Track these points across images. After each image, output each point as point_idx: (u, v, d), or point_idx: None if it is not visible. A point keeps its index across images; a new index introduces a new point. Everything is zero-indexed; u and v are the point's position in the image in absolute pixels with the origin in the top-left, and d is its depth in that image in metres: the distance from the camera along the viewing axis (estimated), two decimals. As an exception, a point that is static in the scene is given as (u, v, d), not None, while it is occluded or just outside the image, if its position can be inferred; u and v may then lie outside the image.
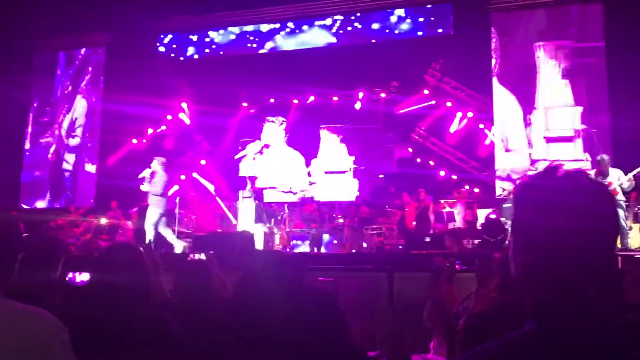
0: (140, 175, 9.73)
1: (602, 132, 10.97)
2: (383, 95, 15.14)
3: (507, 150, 11.74)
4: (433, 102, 14.72)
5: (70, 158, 14.37)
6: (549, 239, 1.12)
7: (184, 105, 15.82)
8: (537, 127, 11.43)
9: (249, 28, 14.19)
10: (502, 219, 9.88)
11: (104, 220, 12.12)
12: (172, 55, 14.67)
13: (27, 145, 14.84)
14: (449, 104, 14.34)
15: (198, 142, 16.40)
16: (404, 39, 13.05)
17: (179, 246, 9.98)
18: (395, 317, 6.57)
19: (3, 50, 13.55)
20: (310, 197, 15.16)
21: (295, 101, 15.88)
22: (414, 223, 12.12)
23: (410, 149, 15.57)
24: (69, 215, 12.80)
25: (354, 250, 11.69)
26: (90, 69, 14.74)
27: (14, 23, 13.50)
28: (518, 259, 1.18)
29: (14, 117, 14.52)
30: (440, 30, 12.80)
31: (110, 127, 14.08)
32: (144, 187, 9.70)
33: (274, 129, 16.26)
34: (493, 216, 10.44)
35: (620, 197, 8.40)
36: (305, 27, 13.77)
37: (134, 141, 14.97)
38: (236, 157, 16.32)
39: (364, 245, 11.89)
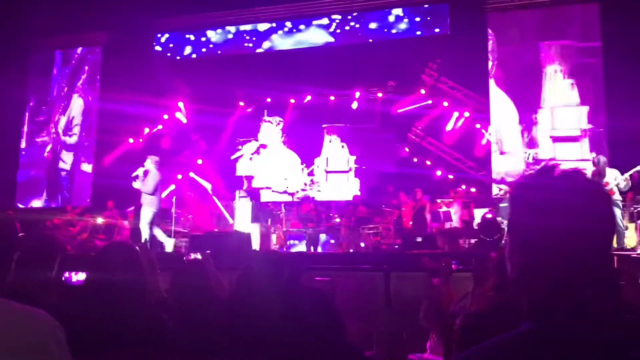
0: (134, 174, 9.75)
1: (600, 131, 10.99)
2: (380, 94, 15.15)
3: (501, 153, 11.74)
4: (430, 101, 14.73)
5: (67, 157, 14.34)
6: (545, 239, 1.12)
7: (181, 104, 15.80)
8: (543, 127, 11.39)
9: (246, 27, 14.18)
10: (499, 219, 9.91)
11: (100, 220, 12.10)
12: (169, 54, 14.66)
13: (23, 145, 14.80)
14: (445, 103, 14.36)
15: (195, 141, 16.39)
16: (401, 38, 13.06)
17: (169, 244, 9.98)
18: (391, 316, 6.58)
19: (-1, 49, 13.56)
20: (312, 196, 15.18)
21: (292, 101, 15.89)
22: (411, 223, 12.13)
23: (407, 149, 15.57)
24: (65, 214, 12.77)
25: (351, 250, 11.69)
26: (86, 68, 14.71)
27: (11, 22, 13.47)
28: (514, 259, 1.18)
29: (10, 116, 14.48)
30: (437, 30, 12.81)
31: (106, 127, 14.06)
32: (135, 184, 9.73)
33: (271, 129, 16.26)
34: (489, 216, 10.44)
35: (617, 196, 8.42)
36: (302, 27, 13.77)
37: (131, 140, 14.95)
38: (232, 157, 16.32)
39: (362, 245, 11.90)
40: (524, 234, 1.16)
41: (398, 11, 13.09)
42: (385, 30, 13.20)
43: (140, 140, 15.17)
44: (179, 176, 15.18)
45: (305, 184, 15.60)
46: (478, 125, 13.89)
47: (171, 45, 14.69)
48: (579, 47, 11.38)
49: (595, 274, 1.10)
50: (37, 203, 14.35)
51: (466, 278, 4.48)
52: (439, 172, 14.65)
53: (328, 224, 13.00)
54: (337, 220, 13.17)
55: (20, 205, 14.28)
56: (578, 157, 10.93)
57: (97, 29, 14.40)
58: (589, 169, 8.77)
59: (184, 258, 8.76)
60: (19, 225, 1.83)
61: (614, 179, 8.43)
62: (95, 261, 2.56)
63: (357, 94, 15.10)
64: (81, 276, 4.21)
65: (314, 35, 13.73)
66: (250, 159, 16.26)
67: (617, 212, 8.35)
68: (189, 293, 3.01)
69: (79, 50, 14.90)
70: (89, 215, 12.45)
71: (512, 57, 11.90)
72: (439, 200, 12.51)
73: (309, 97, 15.63)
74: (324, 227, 12.82)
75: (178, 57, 14.63)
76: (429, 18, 12.93)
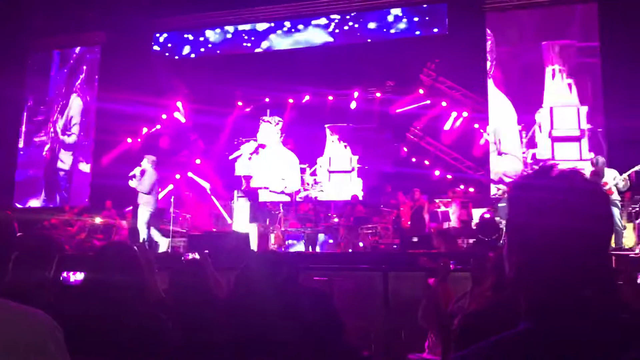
0: (131, 174, 9.77)
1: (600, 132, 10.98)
2: (378, 94, 15.16)
3: (499, 154, 11.73)
4: (428, 101, 14.74)
5: (66, 157, 14.32)
6: (543, 239, 1.12)
7: (179, 104, 15.79)
8: (543, 127, 11.37)
9: (245, 27, 14.17)
10: (497, 219, 9.92)
11: (98, 220, 12.08)
12: (167, 54, 14.64)
13: (21, 144, 14.78)
14: (444, 103, 14.37)
15: (193, 141, 16.38)
16: (400, 38, 13.05)
17: (163, 244, 9.99)
18: (389, 316, 6.59)
19: (-3, 48, 13.53)
20: (315, 196, 15.20)
21: (291, 100, 15.89)
22: (409, 223, 12.14)
23: (405, 149, 15.58)
24: (63, 214, 12.76)
25: (350, 250, 11.69)
26: (85, 67, 14.69)
27: (9, 21, 13.44)
28: (512, 259, 1.18)
29: (8, 116, 14.46)
30: (435, 30, 12.80)
31: (105, 126, 14.04)
32: (132, 183, 9.76)
33: (270, 129, 16.26)
34: (487, 216, 10.46)
35: (615, 196, 8.44)
36: (300, 27, 13.76)
37: (129, 140, 14.94)
38: (231, 157, 16.32)
39: (361, 244, 11.90)
40: (522, 234, 1.16)
41: (396, 11, 13.09)
42: (384, 30, 13.19)
43: (139, 140, 15.16)
44: (178, 176, 15.18)
45: (308, 184, 15.58)
46: (476, 125, 13.90)
47: (170, 45, 14.67)
48: (579, 47, 11.35)
49: (593, 274, 1.10)
50: (35, 203, 14.33)
51: (464, 278, 4.49)
52: (437, 172, 14.66)
53: (326, 224, 13.01)
54: (336, 220, 13.17)
55: (19, 205, 14.26)
56: (577, 157, 10.91)
57: (95, 29, 14.37)
58: (587, 169, 8.78)
59: (182, 258, 8.77)
60: (17, 225, 1.83)
61: (613, 179, 8.45)
62: (93, 261, 2.56)
63: (356, 94, 15.10)
64: (79, 276, 4.21)
65: (313, 35, 13.72)
66: (249, 158, 16.26)
67: (616, 212, 8.37)
68: (187, 293, 3.01)
69: (77, 50, 14.88)
70: (87, 215, 12.44)
71: (511, 57, 11.87)
72: (437, 200, 12.52)
73: (307, 97, 15.63)
74: (323, 227, 12.82)
75: (177, 57, 14.61)
76: (427, 18, 12.92)
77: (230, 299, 2.38)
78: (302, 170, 15.79)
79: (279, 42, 13.94)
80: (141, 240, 9.42)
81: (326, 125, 15.85)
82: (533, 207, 1.15)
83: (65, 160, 14.30)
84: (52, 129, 14.56)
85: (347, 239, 12.15)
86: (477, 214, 11.50)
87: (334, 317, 2.33)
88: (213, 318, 2.58)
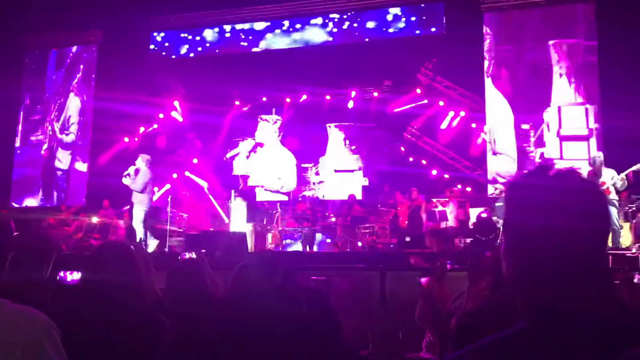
0: (126, 173, 9.79)
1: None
2: (376, 94, 15.16)
3: (494, 153, 11.73)
4: (425, 101, 14.75)
5: (63, 156, 14.28)
6: (540, 238, 1.12)
7: (176, 103, 15.77)
8: (550, 126, 11.34)
9: (242, 26, 14.15)
10: (494, 218, 9.94)
11: (95, 219, 12.06)
12: (164, 53, 14.61)
13: (18, 143, 14.75)
14: (441, 103, 14.37)
15: (190, 140, 16.37)
16: (397, 38, 13.05)
17: (152, 244, 10.01)
18: (387, 315, 6.59)
19: (-6, 48, 13.50)
20: (317, 196, 15.21)
21: (288, 100, 15.89)
22: (407, 222, 12.15)
23: (402, 148, 15.59)
24: (60, 214, 12.73)
25: (348, 250, 11.70)
26: (81, 67, 14.66)
27: (5, 20, 13.40)
28: (509, 258, 1.18)
29: (5, 115, 14.41)
30: (433, 30, 12.80)
31: (101, 126, 14.01)
32: (125, 181, 9.79)
33: (268, 128, 16.25)
34: (484, 215, 10.47)
35: (613, 196, 8.47)
36: (298, 26, 13.75)
37: (126, 139, 14.91)
38: (228, 155, 16.31)
39: (359, 244, 11.91)
40: (519, 234, 1.17)
41: (394, 10, 13.09)
42: (382, 29, 13.19)
43: (136, 139, 15.14)
44: (175, 175, 15.16)
45: (314, 183, 15.59)
46: (474, 125, 13.92)
47: (167, 44, 14.65)
48: (584, 45, 11.32)
49: (590, 273, 1.11)
50: (32, 202, 14.30)
51: (459, 277, 4.50)
52: (434, 172, 14.67)
53: (324, 224, 13.01)
54: (333, 219, 13.17)
55: (15, 205, 14.23)
56: (586, 156, 10.78)
57: (92, 28, 14.34)
58: (585, 169, 8.80)
59: (179, 257, 8.77)
60: (13, 225, 1.83)
61: (611, 179, 8.48)
62: (90, 261, 2.55)
63: (353, 94, 15.10)
64: (76, 276, 4.21)
65: (310, 35, 13.72)
66: (247, 157, 16.25)
67: (613, 211, 8.40)
68: (184, 292, 3.01)
69: (74, 49, 14.84)
70: (84, 215, 12.41)
71: (514, 56, 11.84)
72: (434, 200, 12.53)
73: (304, 97, 15.63)
74: (320, 227, 12.82)
75: (174, 56, 14.59)
76: (424, 17, 12.92)
77: (227, 299, 2.37)
78: (305, 170, 15.79)
79: (277, 41, 13.93)
80: (138, 240, 9.43)
81: (331, 124, 15.84)
82: (530, 207, 1.15)
83: (62, 159, 14.27)
84: (49, 128, 14.53)
85: (344, 238, 12.16)
86: (474, 213, 11.51)
87: (331, 317, 2.33)
88: (210, 318, 2.58)
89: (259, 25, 14.01)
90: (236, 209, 13.51)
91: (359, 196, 14.57)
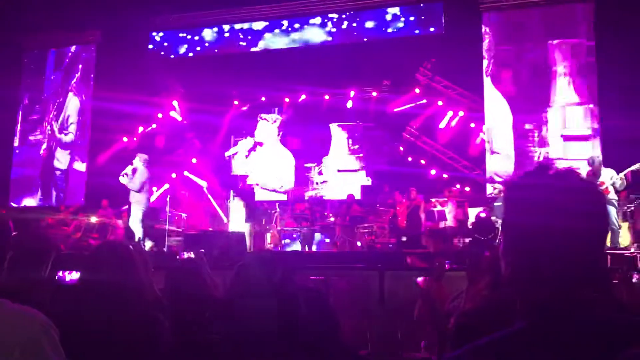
0: (123, 172, 9.79)
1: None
2: (375, 94, 15.16)
3: (492, 152, 11.74)
4: (424, 101, 14.75)
5: (62, 156, 14.26)
6: (538, 238, 1.12)
7: (175, 103, 15.77)
8: (553, 126, 11.31)
9: (241, 26, 14.14)
10: (493, 218, 9.94)
11: (94, 219, 12.06)
12: (163, 53, 14.60)
13: (16, 143, 14.73)
14: (440, 103, 14.38)
15: (189, 140, 16.36)
16: (396, 37, 13.05)
17: (147, 244, 10.02)
18: (386, 315, 6.59)
19: (-8, 47, 13.48)
20: (321, 195, 15.23)
21: (287, 99, 15.91)
22: (405, 222, 12.15)
23: (401, 148, 15.59)
24: (59, 213, 12.73)
25: (347, 250, 11.70)
26: (80, 66, 14.64)
27: (4, 20, 13.38)
28: (508, 258, 1.18)
29: (3, 114, 14.40)
30: (432, 29, 12.80)
31: (100, 125, 14.00)
32: (122, 179, 9.78)
33: (268, 127, 16.26)
34: (483, 215, 10.48)
35: (612, 195, 8.48)
36: (297, 26, 13.74)
37: (125, 139, 14.90)
38: (227, 153, 16.30)
39: (359, 244, 11.91)
40: (518, 233, 1.17)
41: (393, 10, 13.08)
42: (380, 29, 13.19)
43: (135, 139, 15.13)
44: (174, 175, 15.16)
45: (317, 183, 15.60)
46: (473, 125, 13.92)
47: (166, 43, 14.64)
48: (588, 45, 11.30)
49: (588, 273, 1.11)
50: (30, 202, 14.29)
51: (458, 277, 4.49)
52: (433, 172, 14.68)
53: (323, 223, 13.01)
54: (332, 219, 13.17)
55: (14, 204, 14.21)
56: (589, 156, 10.77)
57: (91, 28, 14.33)
58: (584, 169, 8.81)
59: (177, 257, 8.77)
60: (12, 224, 1.82)
61: (610, 178, 8.49)
62: (89, 260, 2.55)
63: (352, 93, 15.10)
64: (75, 275, 4.20)
65: (309, 34, 13.71)
66: (247, 156, 16.25)
67: (612, 211, 8.41)
68: (183, 292, 3.01)
69: (73, 48, 14.82)
70: (83, 215, 12.40)
71: (516, 56, 11.81)
72: (433, 200, 12.53)
73: (303, 96, 15.64)
74: (319, 227, 12.82)
75: (173, 56, 14.58)
76: (423, 17, 12.92)
77: (226, 299, 2.37)
78: (309, 170, 15.80)
79: (276, 41, 13.92)
80: (137, 239, 9.42)
81: (334, 124, 15.86)
82: (529, 207, 1.15)
83: (61, 159, 14.25)
84: (48, 128, 14.51)
85: (343, 238, 12.17)
86: (473, 213, 11.52)
87: (329, 317, 2.33)
88: (209, 317, 2.58)
89: (258, 25, 14.00)
90: (235, 208, 13.51)
91: (358, 196, 14.59)
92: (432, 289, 4.61)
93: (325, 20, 13.50)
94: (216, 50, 14.33)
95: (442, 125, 14.48)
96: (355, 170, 15.59)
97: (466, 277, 3.82)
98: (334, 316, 2.37)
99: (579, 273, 1.10)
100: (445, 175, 14.60)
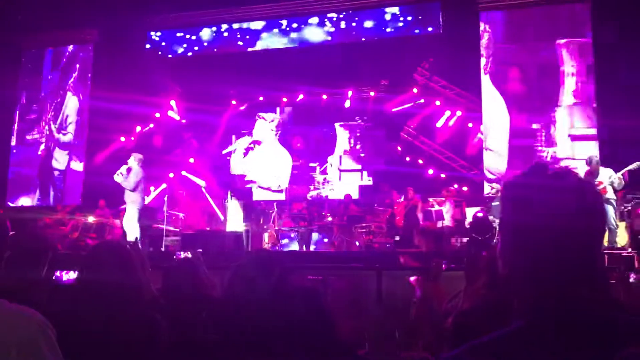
0: (118, 172, 9.80)
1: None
2: (372, 93, 15.17)
3: (485, 149, 11.76)
4: (422, 100, 14.76)
5: (61, 156, 14.22)
6: (535, 237, 1.12)
7: (173, 103, 15.75)
8: (560, 126, 11.29)
9: (239, 25, 14.13)
10: (491, 217, 9.96)
11: (91, 219, 12.04)
12: (161, 52, 14.58)
13: (14, 142, 14.70)
14: (438, 102, 14.39)
15: (187, 139, 16.35)
16: (393, 37, 13.04)
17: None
18: (384, 314, 6.59)
19: (-11, 46, 13.46)
20: (325, 195, 15.24)
21: (285, 99, 15.92)
22: (403, 221, 12.16)
23: (399, 148, 15.61)
24: (56, 213, 12.70)
25: (344, 249, 11.71)
26: (77, 66, 14.61)
27: (1, 19, 13.36)
28: (506, 257, 1.18)
29: (0, 114, 14.38)
30: (430, 29, 12.80)
31: (98, 125, 13.97)
32: (117, 178, 9.77)
33: (265, 126, 16.27)
34: (481, 215, 10.49)
35: (611, 195, 8.50)
36: (295, 25, 13.73)
37: (122, 139, 14.88)
38: (225, 151, 16.30)
39: (357, 244, 11.91)
40: (515, 233, 1.17)
41: (391, 10, 13.07)
42: (378, 29, 13.18)
43: (132, 138, 15.11)
44: (171, 175, 15.14)
45: (319, 182, 15.62)
46: (470, 125, 13.93)
47: (163, 43, 14.61)
48: (590, 44, 11.28)
49: (585, 272, 1.11)
50: (28, 202, 14.26)
51: (455, 277, 4.50)
52: (431, 171, 14.69)
53: (320, 223, 13.00)
54: (330, 219, 13.17)
55: (11, 204, 14.18)
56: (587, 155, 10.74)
57: (88, 27, 14.30)
58: (582, 169, 8.82)
59: (174, 257, 8.77)
60: (9, 224, 1.82)
61: (608, 178, 8.51)
62: (86, 260, 2.55)
63: (350, 93, 15.11)
64: (72, 275, 4.20)
65: (307, 34, 13.70)
66: (245, 155, 16.25)
67: (610, 210, 8.42)
68: (180, 292, 3.01)
69: (70, 48, 14.79)
70: (80, 214, 12.38)
71: (516, 56, 11.76)
72: (431, 199, 12.54)
73: (301, 96, 15.65)
74: (317, 226, 12.82)
75: (170, 55, 14.55)
76: (421, 17, 12.91)
77: (223, 298, 2.37)
78: (312, 169, 15.81)
79: (274, 40, 13.91)
80: (134, 239, 9.41)
81: (338, 124, 15.87)
82: (526, 206, 1.15)
83: (60, 159, 14.21)
84: (46, 128, 14.48)
85: (340, 238, 12.16)
86: (470, 212, 11.53)
87: (326, 316, 2.33)
88: (206, 317, 2.58)
89: (256, 25, 13.99)
90: (233, 208, 13.51)
91: (355, 195, 14.60)
92: (429, 288, 4.61)
93: (324, 20, 13.49)
94: (215, 50, 14.31)
95: (440, 124, 14.49)
96: (359, 170, 15.63)
97: (464, 277, 3.83)
98: (331, 316, 2.37)
99: (577, 272, 1.10)
100: (442, 175, 14.61)
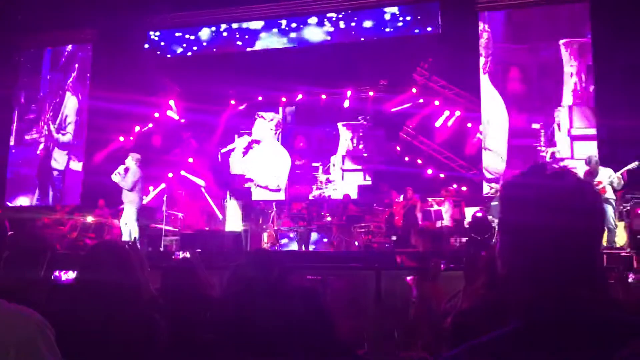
0: (115, 172, 9.80)
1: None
2: (371, 93, 15.18)
3: (484, 149, 11.77)
4: (421, 100, 14.77)
5: (60, 156, 14.21)
6: (534, 237, 1.12)
7: (172, 102, 15.75)
8: (562, 126, 11.29)
9: (238, 25, 14.12)
10: (490, 217, 9.96)
11: (90, 219, 12.03)
12: (160, 52, 14.57)
13: (12, 142, 14.69)
14: (437, 102, 14.39)
15: (186, 139, 16.35)
16: (392, 37, 13.05)
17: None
18: (383, 314, 6.59)
19: (-13, 46, 13.45)
20: (328, 195, 15.25)
21: (284, 99, 15.93)
22: (402, 221, 12.17)
23: (398, 147, 15.61)
24: (55, 213, 12.69)
25: (343, 249, 11.71)
26: (76, 65, 14.60)
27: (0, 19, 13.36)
28: (504, 257, 1.18)
29: (-1, 113, 14.39)
30: (429, 29, 12.80)
31: (97, 125, 13.97)
32: (114, 178, 9.77)
33: (265, 125, 16.27)
34: (480, 214, 10.50)
35: (610, 195, 8.50)
36: (294, 25, 13.73)
37: (121, 139, 14.87)
38: (223, 150, 16.30)
39: (356, 243, 11.91)
40: (514, 233, 1.17)
41: (390, 10, 13.07)
42: (377, 29, 13.17)
43: (131, 138, 15.10)
44: (170, 174, 15.14)
45: (322, 182, 15.63)
46: (469, 125, 13.94)
47: (163, 43, 14.60)
48: (590, 44, 11.28)
49: (584, 272, 1.11)
50: (26, 201, 14.25)
51: (453, 277, 4.50)
52: (430, 171, 14.69)
53: (319, 223, 13.00)
54: (329, 219, 13.17)
55: (9, 204, 14.17)
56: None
57: (87, 27, 14.29)
58: (581, 168, 8.83)
59: (172, 257, 8.77)
60: (8, 224, 1.82)
61: (608, 177, 8.52)
62: (85, 260, 2.55)
63: (349, 93, 15.11)
64: (71, 275, 4.19)
65: (307, 34, 13.70)
66: (244, 154, 16.26)
67: (610, 210, 8.43)
68: (179, 292, 3.01)
69: (69, 47, 14.79)
70: (79, 214, 12.37)
71: (523, 55, 11.75)
72: (430, 199, 12.55)
73: (300, 96, 15.66)
74: (316, 226, 12.82)
75: (169, 55, 14.55)
76: (420, 17, 12.92)
77: (222, 298, 2.37)
78: (315, 169, 15.82)
79: (273, 40, 13.90)
80: (132, 239, 9.41)
81: (340, 123, 15.87)
82: (525, 206, 1.15)
83: (59, 159, 14.20)
84: (45, 128, 14.47)
85: (339, 237, 12.16)
86: (469, 212, 11.54)
87: (325, 316, 2.33)
88: (205, 317, 2.58)
89: (255, 25, 13.98)
90: (232, 208, 13.51)
91: (354, 195, 14.61)
92: (428, 288, 4.61)
93: (323, 20, 13.48)
94: (214, 50, 14.30)
95: (438, 123, 14.49)
96: (362, 170, 15.65)
97: (463, 277, 3.83)
98: (330, 315, 2.38)
99: (575, 272, 1.10)
100: (441, 175, 14.62)
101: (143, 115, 15.19)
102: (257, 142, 16.23)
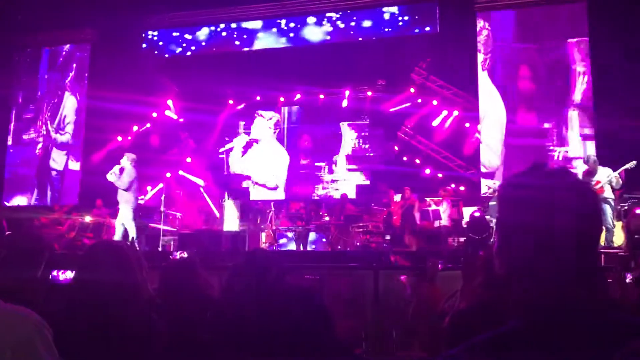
0: (111, 172, 9.79)
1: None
2: (369, 93, 15.18)
3: (481, 143, 11.79)
4: (419, 100, 14.77)
5: (58, 156, 14.19)
6: (532, 237, 1.12)
7: (170, 102, 15.74)
8: (572, 125, 11.27)
9: (236, 25, 14.11)
10: (488, 217, 9.97)
11: (88, 219, 12.02)
12: (157, 52, 14.56)
13: (10, 142, 14.67)
14: (434, 102, 14.40)
15: (184, 139, 16.34)
16: (391, 37, 13.05)
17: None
18: (380, 314, 6.59)
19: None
20: (331, 195, 15.26)
21: (282, 99, 15.93)
22: (400, 221, 12.17)
23: (396, 147, 15.62)
24: (53, 213, 12.68)
25: (339, 248, 11.71)
26: (74, 65, 14.58)
27: (-3, 18, 13.34)
28: (502, 257, 1.18)
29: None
30: (427, 29, 12.80)
31: (95, 125, 13.95)
32: (109, 177, 9.76)
33: (263, 124, 16.26)
34: (478, 214, 10.49)
35: (608, 194, 8.51)
36: (292, 25, 13.72)
37: (119, 138, 14.86)
38: (222, 149, 16.30)
39: (357, 244, 11.91)
40: (512, 232, 1.17)
41: (388, 10, 13.07)
42: (376, 28, 13.18)
43: (129, 138, 15.09)
44: (168, 174, 15.13)
45: (327, 182, 15.64)
46: (467, 125, 13.95)
47: (161, 42, 14.58)
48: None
49: (582, 272, 1.11)
50: (24, 201, 14.22)
51: (451, 277, 4.51)
52: (428, 171, 14.70)
53: (317, 222, 13.00)
54: (327, 218, 13.17)
55: (7, 204, 14.15)
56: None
57: (85, 26, 14.28)
58: (581, 168, 8.84)
59: (170, 256, 8.76)
60: (5, 224, 1.82)
61: (607, 177, 8.53)
62: (83, 260, 2.54)
63: (347, 93, 15.12)
64: (69, 275, 4.19)
65: (305, 34, 13.69)
66: (243, 153, 16.25)
67: (608, 210, 8.44)
68: (177, 292, 3.00)
69: (67, 47, 14.77)
70: (77, 214, 12.36)
71: (530, 54, 11.73)
72: (428, 199, 12.56)
73: (298, 96, 15.66)
74: (314, 226, 12.82)
75: (167, 55, 14.54)
76: (418, 17, 12.92)
77: (221, 298, 2.37)
78: (319, 169, 15.81)
79: (271, 40, 13.90)
80: (130, 239, 9.41)
81: (344, 123, 15.88)
82: (523, 206, 1.15)
83: (57, 159, 14.18)
84: (44, 128, 14.45)
85: (337, 237, 12.16)
86: (467, 212, 11.54)
87: (323, 315, 2.33)
88: (204, 317, 2.57)
89: (254, 24, 13.98)
90: (230, 208, 13.50)
91: (352, 195, 14.62)
92: (425, 289, 4.62)
93: (322, 20, 13.48)
94: (212, 50, 14.29)
95: (436, 123, 14.50)
96: (364, 170, 15.66)
97: (461, 276, 3.83)
98: (328, 315, 2.37)
99: (573, 272, 1.10)
100: (439, 175, 14.63)
101: (141, 115, 15.19)
102: (256, 141, 16.23)
